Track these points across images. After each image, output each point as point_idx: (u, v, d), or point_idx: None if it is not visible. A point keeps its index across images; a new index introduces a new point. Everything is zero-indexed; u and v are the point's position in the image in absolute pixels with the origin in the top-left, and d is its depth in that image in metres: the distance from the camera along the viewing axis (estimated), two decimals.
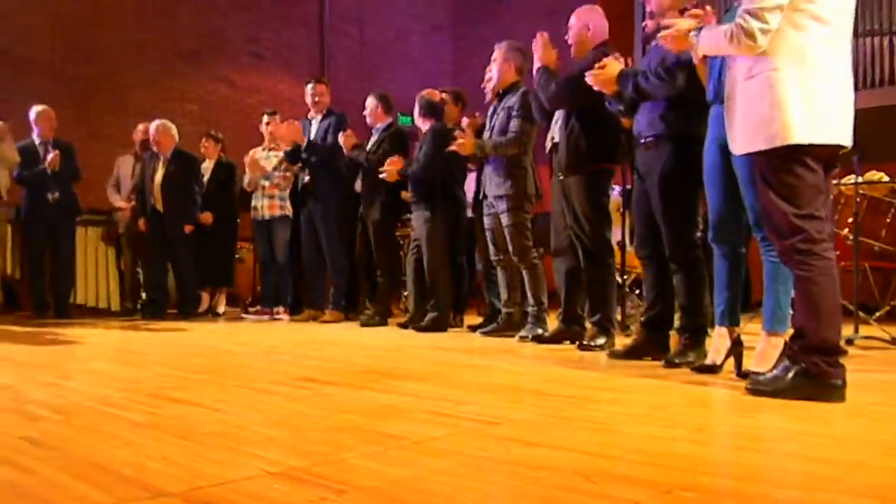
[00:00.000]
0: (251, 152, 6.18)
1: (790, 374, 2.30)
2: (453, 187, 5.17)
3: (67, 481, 1.42)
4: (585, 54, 3.93)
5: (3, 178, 5.47)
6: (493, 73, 4.57)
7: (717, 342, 2.98)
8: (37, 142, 5.85)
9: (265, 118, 6.27)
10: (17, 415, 2.08)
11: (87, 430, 1.89)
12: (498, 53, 4.56)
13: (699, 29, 2.63)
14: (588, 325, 4.07)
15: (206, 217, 6.18)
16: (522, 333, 4.40)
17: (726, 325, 2.97)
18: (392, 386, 2.63)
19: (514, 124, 4.42)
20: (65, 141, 5.95)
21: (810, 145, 2.30)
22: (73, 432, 1.87)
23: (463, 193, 5.23)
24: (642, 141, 3.30)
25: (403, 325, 5.18)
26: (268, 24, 9.20)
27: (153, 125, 6.05)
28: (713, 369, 2.90)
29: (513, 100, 4.47)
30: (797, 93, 2.31)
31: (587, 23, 3.95)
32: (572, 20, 4.00)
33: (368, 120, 5.61)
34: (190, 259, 6.04)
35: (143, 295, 6.24)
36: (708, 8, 2.94)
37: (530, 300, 4.49)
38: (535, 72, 4.07)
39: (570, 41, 4.02)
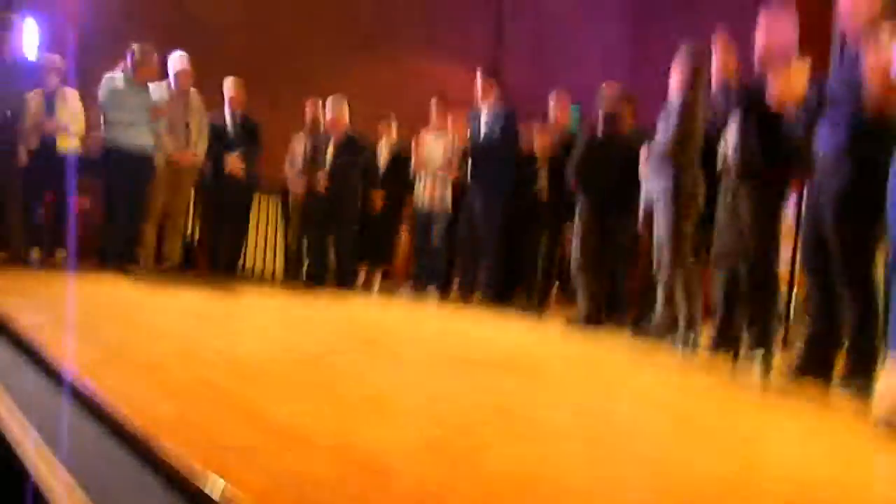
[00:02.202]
0: (420, 134, 6.36)
1: None
2: None
3: (229, 422, 1.57)
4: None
5: (199, 145, 5.92)
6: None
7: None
8: (227, 114, 6.31)
9: (434, 101, 6.42)
10: (194, 359, 2.30)
11: (251, 381, 2.07)
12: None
13: None
14: (744, 337, 3.91)
15: (377, 198, 6.46)
16: (677, 342, 4.28)
17: None
18: (535, 374, 2.67)
19: (681, 124, 4.28)
20: (253, 120, 6.36)
21: None
22: (239, 381, 2.05)
23: None
24: (821, 154, 3.13)
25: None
26: (444, 13, 9.40)
27: (328, 103, 6.36)
28: None
29: (678, 102, 4.34)
30: None
31: (773, 31, 3.76)
32: (760, 23, 3.81)
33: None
34: (353, 236, 6.33)
35: (306, 266, 6.59)
36: None
37: (684, 306, 4.36)
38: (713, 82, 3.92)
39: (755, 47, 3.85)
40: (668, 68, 4.45)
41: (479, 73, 6.12)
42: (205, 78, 6.11)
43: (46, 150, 5.43)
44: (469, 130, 6.06)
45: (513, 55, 9.68)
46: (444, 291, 6.27)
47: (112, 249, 5.58)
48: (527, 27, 9.89)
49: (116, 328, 2.93)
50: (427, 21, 9.30)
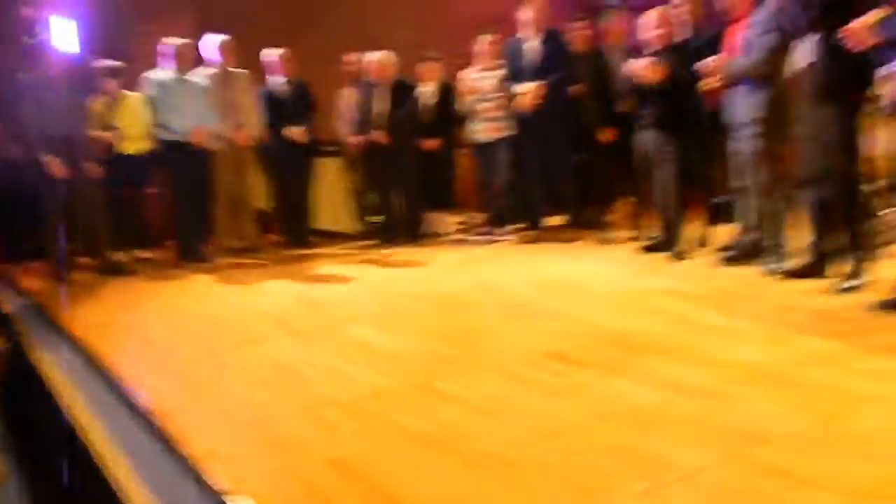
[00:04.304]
0: (460, 75, 6.19)
1: None
2: None
3: None
4: None
5: (253, 125, 5.91)
6: None
7: None
8: (278, 82, 6.22)
9: (480, 39, 6.17)
10: (313, 423, 2.36)
11: (381, 447, 2.13)
12: None
13: None
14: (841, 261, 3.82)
15: (432, 144, 6.36)
16: (769, 266, 4.20)
17: None
18: (641, 369, 2.67)
19: (764, 40, 4.04)
20: (306, 84, 6.29)
21: None
22: (370, 451, 2.11)
23: None
24: None
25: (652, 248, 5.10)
26: None
27: (370, 59, 6.22)
28: None
29: (761, 13, 4.08)
30: None
31: None
32: None
33: None
34: (417, 183, 6.30)
35: (377, 218, 6.62)
36: None
37: (770, 231, 4.25)
38: None
39: None
40: None
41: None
42: (242, 52, 6.03)
43: (115, 154, 5.53)
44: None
45: None
46: (532, 226, 6.24)
47: (188, 243, 5.71)
48: None
49: (206, 359, 3.06)
50: None
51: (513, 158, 6.09)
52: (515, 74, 5.88)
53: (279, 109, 6.12)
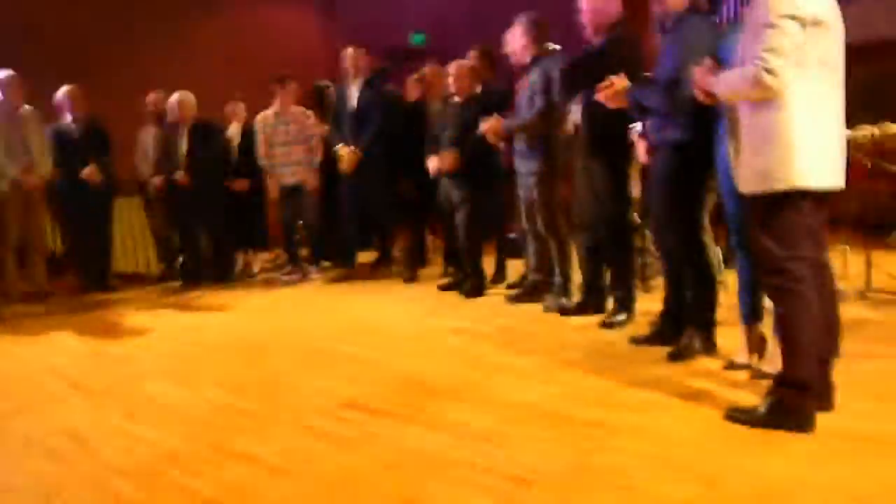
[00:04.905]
0: (259, 119, 6.23)
1: (765, 406, 2.49)
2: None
3: None
4: (599, 35, 3.94)
5: (43, 164, 5.65)
6: (512, 45, 4.58)
7: (742, 340, 3.14)
8: (71, 122, 5.96)
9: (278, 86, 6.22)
10: (101, 495, 2.31)
11: None
12: (517, 27, 4.53)
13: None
14: (610, 298, 4.25)
15: (241, 185, 6.32)
16: (547, 303, 4.58)
17: (751, 324, 3.12)
18: (432, 414, 2.84)
19: (538, 101, 4.43)
20: (99, 123, 6.08)
21: (811, 189, 2.40)
22: None
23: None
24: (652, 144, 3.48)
25: (446, 287, 5.40)
26: None
27: (171, 100, 6.11)
28: (740, 367, 3.10)
29: (535, 75, 4.47)
30: (803, 136, 2.39)
31: (596, 5, 3.92)
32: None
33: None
34: (222, 223, 6.23)
35: (180, 259, 6.45)
36: None
37: (557, 272, 4.63)
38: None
39: (582, 20, 3.99)
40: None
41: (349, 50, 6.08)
42: (35, 88, 5.74)
43: None
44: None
45: None
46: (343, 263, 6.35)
47: None
48: None
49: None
50: None
51: (323, 198, 6.22)
52: (338, 119, 6.11)
53: (69, 148, 5.86)
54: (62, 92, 5.96)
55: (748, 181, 2.51)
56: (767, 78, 2.34)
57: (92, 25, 7.48)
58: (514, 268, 5.42)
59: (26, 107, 5.65)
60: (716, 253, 3.47)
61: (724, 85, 2.56)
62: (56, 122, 5.97)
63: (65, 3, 7.38)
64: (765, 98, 2.40)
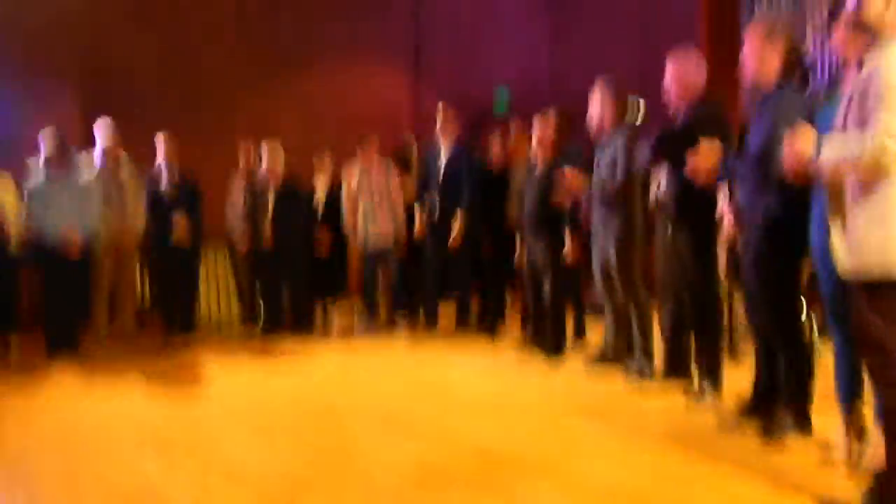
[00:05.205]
0: (344, 188, 6.42)
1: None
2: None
3: None
4: (682, 102, 3.91)
5: (139, 217, 5.83)
6: (595, 114, 4.56)
7: (840, 426, 2.94)
8: (164, 174, 6.09)
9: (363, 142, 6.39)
10: None
11: None
12: (598, 92, 4.51)
13: None
14: (694, 371, 4.06)
15: (324, 242, 6.48)
16: (630, 372, 4.43)
17: (849, 409, 2.92)
18: (502, 488, 2.76)
19: (620, 166, 4.38)
20: (191, 177, 6.19)
21: None
22: None
23: None
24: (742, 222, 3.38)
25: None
26: (362, 12, 9.15)
27: (263, 149, 6.32)
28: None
29: (619, 141, 4.42)
30: None
31: (682, 76, 3.88)
32: (668, 68, 3.93)
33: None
34: (305, 280, 6.36)
35: (261, 308, 6.57)
36: None
37: (637, 338, 4.49)
38: None
39: (666, 87, 3.95)
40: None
41: (440, 106, 6.18)
42: (127, 133, 5.91)
43: None
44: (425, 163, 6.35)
45: (432, 43, 9.51)
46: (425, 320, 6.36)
47: (56, 335, 5.47)
48: (445, 12, 9.66)
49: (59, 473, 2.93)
50: (346, 20, 9.02)
51: (406, 258, 6.32)
52: (428, 179, 6.23)
53: (162, 203, 6.03)
54: (157, 140, 6.09)
55: (859, 266, 2.34)
56: (893, 146, 2.17)
57: (186, 72, 7.78)
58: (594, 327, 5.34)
59: (123, 154, 5.82)
60: (811, 324, 3.31)
61: (830, 154, 2.38)
62: (149, 170, 6.08)
63: (163, 50, 7.68)
64: (879, 171, 2.22)
